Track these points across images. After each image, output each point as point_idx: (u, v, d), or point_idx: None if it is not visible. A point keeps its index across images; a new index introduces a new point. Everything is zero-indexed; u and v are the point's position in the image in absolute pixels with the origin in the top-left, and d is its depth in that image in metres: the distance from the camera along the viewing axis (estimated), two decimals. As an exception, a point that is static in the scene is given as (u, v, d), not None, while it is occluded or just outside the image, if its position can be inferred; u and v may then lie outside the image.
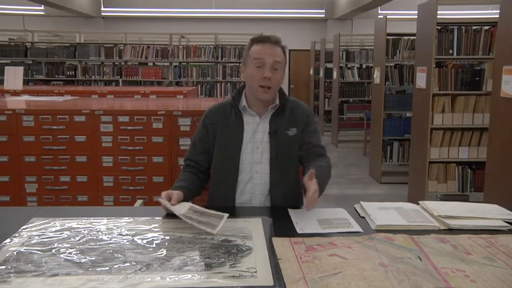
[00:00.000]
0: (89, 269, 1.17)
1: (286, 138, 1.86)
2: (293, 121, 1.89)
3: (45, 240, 1.36)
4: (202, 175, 1.93)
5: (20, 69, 5.30)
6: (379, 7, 10.39)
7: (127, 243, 1.35)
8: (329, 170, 1.82)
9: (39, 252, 1.27)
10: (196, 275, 1.14)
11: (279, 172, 1.85)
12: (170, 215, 1.57)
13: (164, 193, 1.62)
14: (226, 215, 1.52)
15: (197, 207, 1.59)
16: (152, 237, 1.39)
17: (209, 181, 1.97)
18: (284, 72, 1.88)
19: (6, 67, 5.31)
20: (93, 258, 1.23)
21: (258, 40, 1.83)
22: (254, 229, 1.45)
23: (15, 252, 1.27)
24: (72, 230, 1.44)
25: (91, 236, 1.40)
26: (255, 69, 1.80)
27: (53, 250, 1.29)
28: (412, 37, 5.60)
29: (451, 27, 4.28)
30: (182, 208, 1.55)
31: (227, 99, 1.99)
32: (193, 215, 1.51)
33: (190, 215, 1.51)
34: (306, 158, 1.88)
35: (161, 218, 1.58)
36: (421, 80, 4.31)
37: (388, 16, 5.58)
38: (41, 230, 1.44)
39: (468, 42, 4.25)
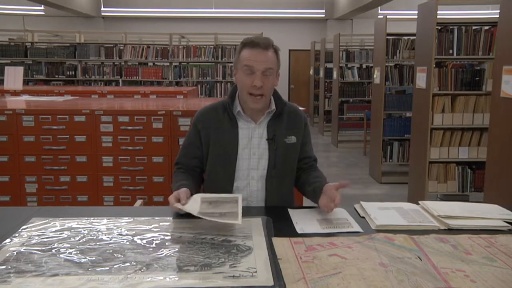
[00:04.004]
0: (89, 269, 1.17)
1: (284, 146, 1.82)
2: (291, 129, 1.85)
3: (45, 240, 1.36)
4: (196, 177, 1.87)
5: (20, 69, 5.30)
6: (379, 7, 10.39)
7: (127, 243, 1.34)
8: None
9: (39, 252, 1.27)
10: (196, 275, 1.14)
11: (276, 179, 1.82)
12: (174, 215, 1.57)
13: (171, 198, 1.55)
14: (239, 196, 1.59)
15: (208, 195, 1.60)
16: (152, 237, 1.39)
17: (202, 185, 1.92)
18: (278, 75, 1.80)
19: (6, 67, 5.32)
20: (93, 258, 1.23)
21: (248, 44, 1.74)
22: (254, 229, 1.45)
23: (15, 252, 1.27)
24: (72, 230, 1.44)
25: (91, 236, 1.40)
26: (245, 76, 1.72)
27: (53, 250, 1.28)
28: (412, 37, 5.61)
29: (451, 27, 4.28)
30: (195, 204, 1.53)
31: (218, 100, 1.90)
32: (208, 209, 1.50)
33: (206, 210, 1.49)
34: (303, 169, 1.90)
35: (161, 218, 1.58)
36: (421, 80, 4.31)
37: (388, 16, 5.58)
38: (41, 230, 1.44)
39: (468, 42, 4.25)
